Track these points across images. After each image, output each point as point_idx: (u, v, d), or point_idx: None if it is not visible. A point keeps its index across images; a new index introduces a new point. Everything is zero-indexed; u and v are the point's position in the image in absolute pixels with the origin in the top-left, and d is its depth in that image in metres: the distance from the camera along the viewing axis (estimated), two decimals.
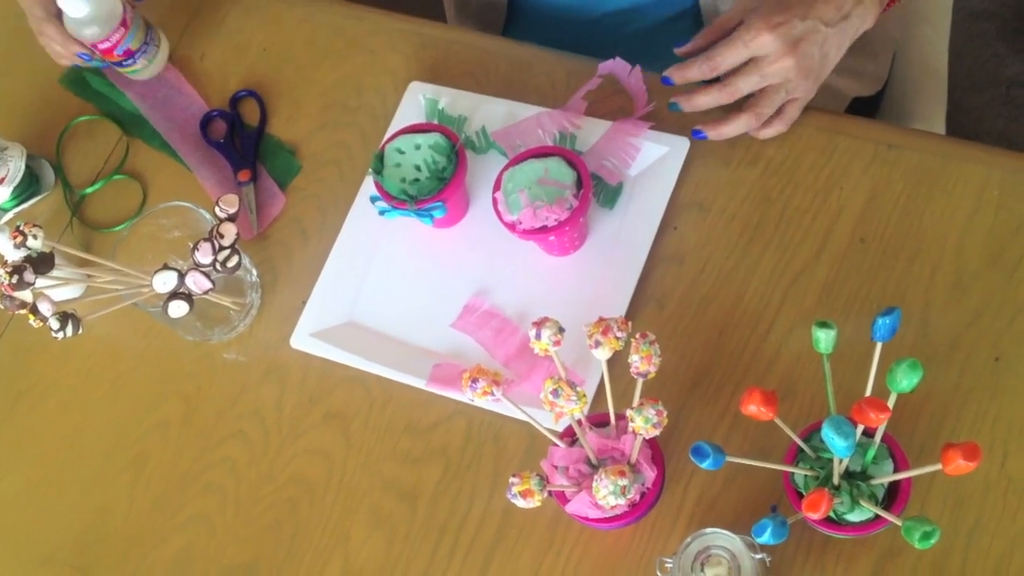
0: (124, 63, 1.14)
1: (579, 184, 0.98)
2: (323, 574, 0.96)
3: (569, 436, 0.89)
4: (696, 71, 0.98)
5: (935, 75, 1.37)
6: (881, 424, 0.76)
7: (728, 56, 0.96)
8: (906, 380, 0.74)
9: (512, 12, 1.25)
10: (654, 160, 1.03)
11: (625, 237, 1.02)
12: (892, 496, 0.83)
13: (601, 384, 0.94)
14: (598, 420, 0.90)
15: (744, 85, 0.97)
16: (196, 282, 0.93)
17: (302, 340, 1.04)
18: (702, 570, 0.82)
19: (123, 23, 1.11)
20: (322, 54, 1.14)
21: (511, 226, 0.99)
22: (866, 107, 1.32)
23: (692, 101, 1.00)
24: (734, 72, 0.97)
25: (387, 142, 1.05)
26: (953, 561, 0.86)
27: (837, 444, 0.72)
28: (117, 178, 1.16)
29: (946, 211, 0.98)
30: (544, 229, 0.97)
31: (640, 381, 0.83)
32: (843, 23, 0.97)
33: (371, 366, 1.01)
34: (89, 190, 1.16)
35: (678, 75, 0.99)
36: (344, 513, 0.98)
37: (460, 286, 1.04)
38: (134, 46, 1.13)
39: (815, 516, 0.75)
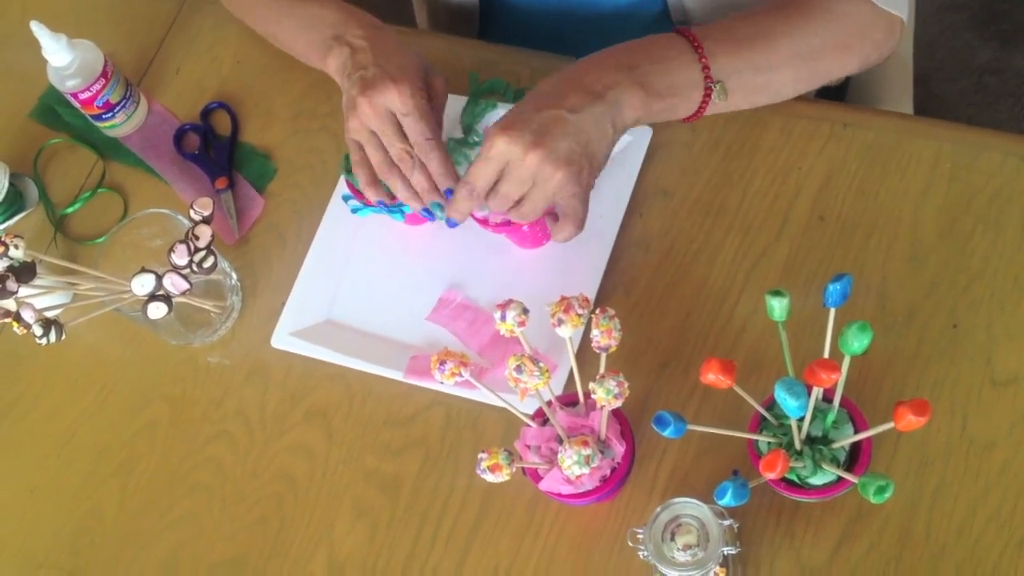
0: (103, 116, 1.17)
1: None
2: (309, 565, 0.98)
3: (541, 417, 0.91)
4: (463, 202, 0.95)
5: (900, 62, 1.39)
6: (833, 384, 0.78)
7: (479, 173, 0.93)
8: (857, 342, 0.77)
9: (484, 20, 1.27)
10: (618, 150, 1.05)
11: (592, 226, 1.03)
12: (854, 459, 0.85)
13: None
14: (568, 400, 0.92)
15: (505, 194, 0.93)
16: (173, 283, 0.96)
17: (282, 339, 1.06)
18: (672, 539, 0.84)
19: (104, 74, 1.14)
20: (292, 62, 1.16)
21: (483, 221, 1.01)
22: (833, 97, 1.34)
23: (451, 208, 0.97)
24: (493, 187, 0.94)
25: None
26: (918, 521, 0.88)
27: (789, 404, 0.75)
28: (101, 191, 1.19)
29: (900, 186, 1.01)
30: (514, 222, 0.99)
31: (603, 356, 0.86)
32: (595, 105, 0.91)
33: (350, 361, 1.03)
34: (69, 210, 1.18)
35: (453, 213, 0.96)
36: (328, 506, 1.00)
37: (434, 280, 1.07)
38: (114, 99, 1.16)
39: (772, 476, 0.77)
